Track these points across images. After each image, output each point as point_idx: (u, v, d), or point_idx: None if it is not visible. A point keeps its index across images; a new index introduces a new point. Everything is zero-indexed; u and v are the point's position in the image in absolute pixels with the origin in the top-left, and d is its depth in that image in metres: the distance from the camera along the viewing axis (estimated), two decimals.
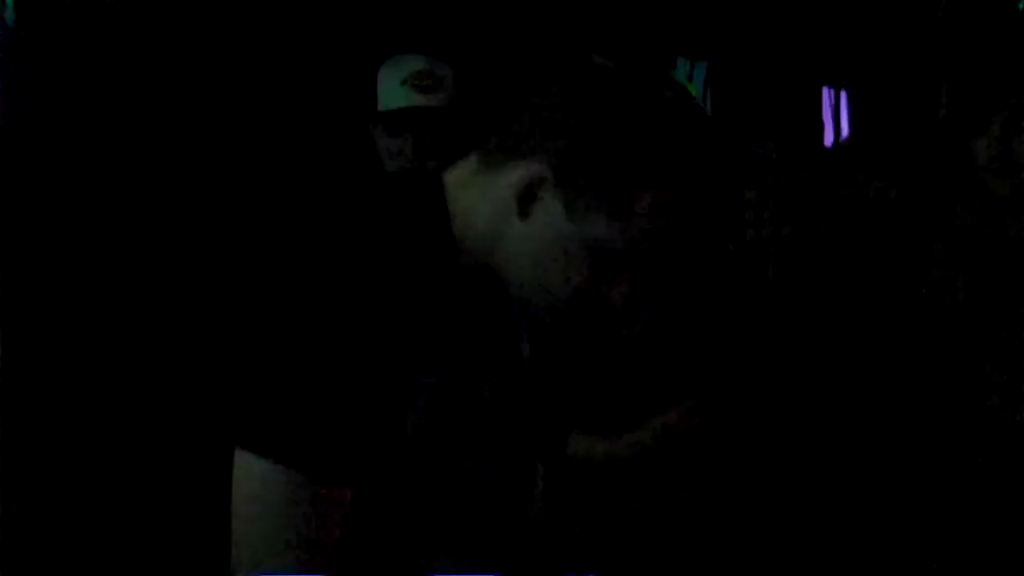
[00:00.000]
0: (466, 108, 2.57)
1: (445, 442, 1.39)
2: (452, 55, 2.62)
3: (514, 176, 1.31)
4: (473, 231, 1.34)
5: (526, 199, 1.30)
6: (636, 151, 1.28)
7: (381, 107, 2.54)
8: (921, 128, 2.95)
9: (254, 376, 1.28)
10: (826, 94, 3.81)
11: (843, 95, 3.80)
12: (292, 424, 1.25)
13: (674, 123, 1.30)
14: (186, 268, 3.02)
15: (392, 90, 2.53)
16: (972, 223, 2.07)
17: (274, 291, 1.31)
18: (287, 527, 1.25)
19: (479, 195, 1.34)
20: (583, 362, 1.80)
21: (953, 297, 2.04)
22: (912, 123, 3.22)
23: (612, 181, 1.28)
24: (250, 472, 1.26)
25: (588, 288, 1.31)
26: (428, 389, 1.31)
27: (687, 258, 1.33)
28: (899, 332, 2.11)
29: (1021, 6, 2.86)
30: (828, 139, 3.80)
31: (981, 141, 2.07)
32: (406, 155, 2.50)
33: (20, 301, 3.01)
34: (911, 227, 2.15)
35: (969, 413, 2.02)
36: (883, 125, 3.57)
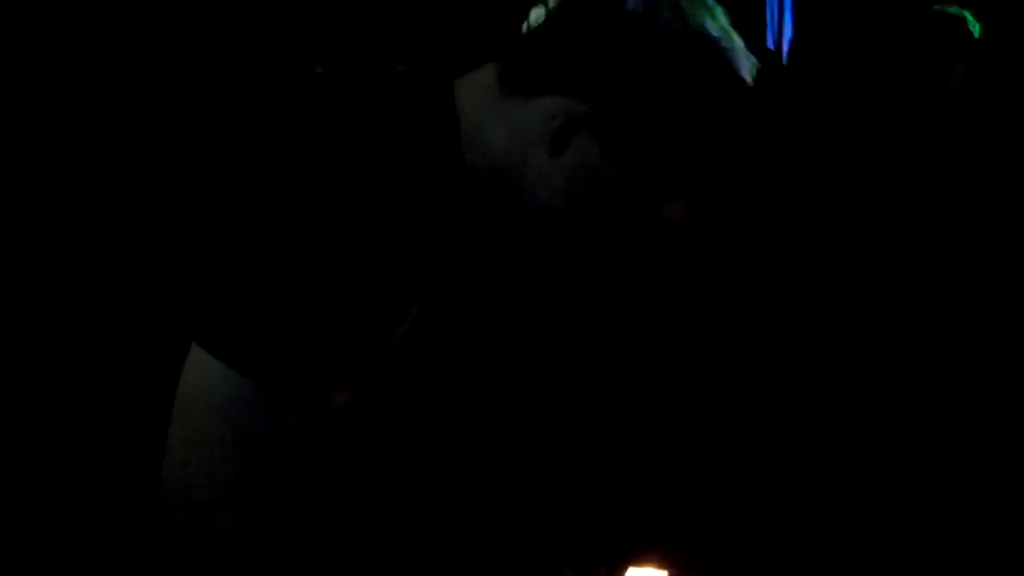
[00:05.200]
0: None
1: (430, 354, 1.35)
2: None
3: (549, 109, 1.27)
4: (490, 157, 1.30)
5: (562, 135, 1.27)
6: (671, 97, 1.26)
7: None
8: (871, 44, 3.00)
9: (238, 283, 1.25)
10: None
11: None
12: (267, 339, 1.23)
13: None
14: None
15: None
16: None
17: (271, 190, 1.26)
18: (229, 428, 1.23)
19: (501, 120, 1.29)
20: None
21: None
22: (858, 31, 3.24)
23: (649, 127, 1.26)
24: (204, 373, 1.23)
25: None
26: (420, 304, 1.28)
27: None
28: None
29: None
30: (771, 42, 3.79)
31: (956, 79, 2.38)
32: None
33: None
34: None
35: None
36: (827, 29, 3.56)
